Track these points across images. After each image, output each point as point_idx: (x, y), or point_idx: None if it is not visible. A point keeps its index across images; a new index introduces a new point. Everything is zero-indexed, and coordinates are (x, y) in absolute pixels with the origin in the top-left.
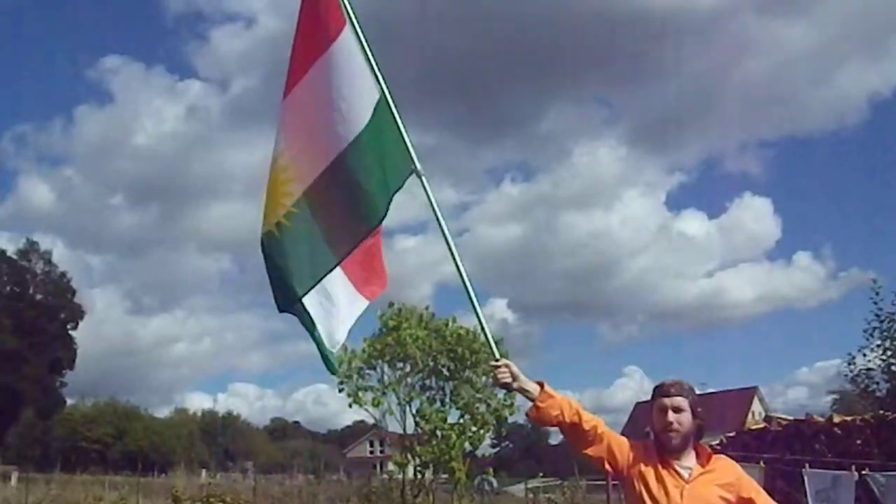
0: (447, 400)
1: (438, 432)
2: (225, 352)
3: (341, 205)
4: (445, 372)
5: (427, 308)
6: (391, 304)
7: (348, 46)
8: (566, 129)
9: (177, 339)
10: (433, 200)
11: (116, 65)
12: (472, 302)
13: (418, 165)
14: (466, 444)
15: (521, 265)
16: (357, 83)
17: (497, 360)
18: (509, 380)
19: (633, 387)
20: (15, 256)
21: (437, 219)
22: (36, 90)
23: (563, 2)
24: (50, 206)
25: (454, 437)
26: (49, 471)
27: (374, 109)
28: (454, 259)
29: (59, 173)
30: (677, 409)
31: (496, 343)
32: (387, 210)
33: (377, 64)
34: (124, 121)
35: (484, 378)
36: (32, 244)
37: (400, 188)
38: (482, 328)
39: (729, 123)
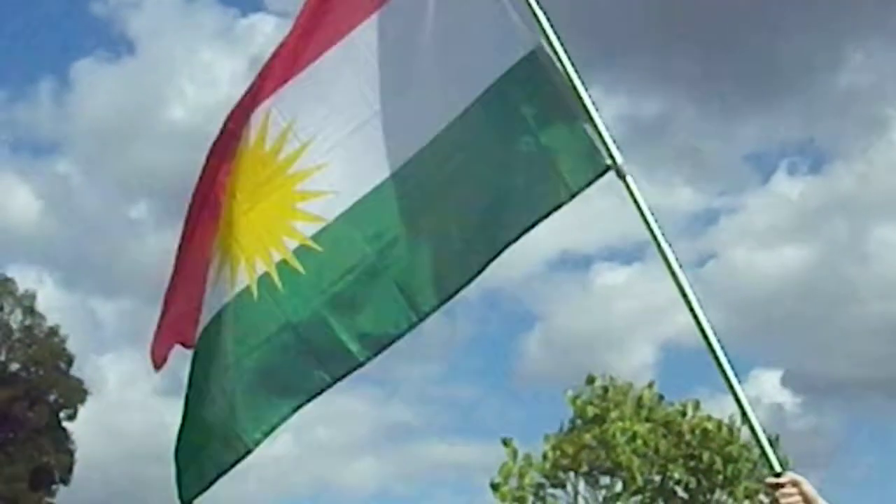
0: None
1: None
2: (316, 457)
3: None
4: (681, 492)
5: (650, 386)
6: (591, 379)
7: None
8: (879, 85)
9: None
10: (648, 214)
11: None
12: (726, 378)
13: (619, 159)
14: None
15: (803, 314)
16: (473, 26)
17: (778, 475)
18: None
19: None
20: None
21: (657, 242)
22: (12, 39)
23: None
24: (33, 222)
25: None
26: None
27: (515, 66)
28: (690, 306)
29: (48, 168)
30: None
31: (771, 444)
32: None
33: None
34: (151, 84)
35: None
36: (5, 282)
37: (570, 197)
38: (748, 421)
39: None
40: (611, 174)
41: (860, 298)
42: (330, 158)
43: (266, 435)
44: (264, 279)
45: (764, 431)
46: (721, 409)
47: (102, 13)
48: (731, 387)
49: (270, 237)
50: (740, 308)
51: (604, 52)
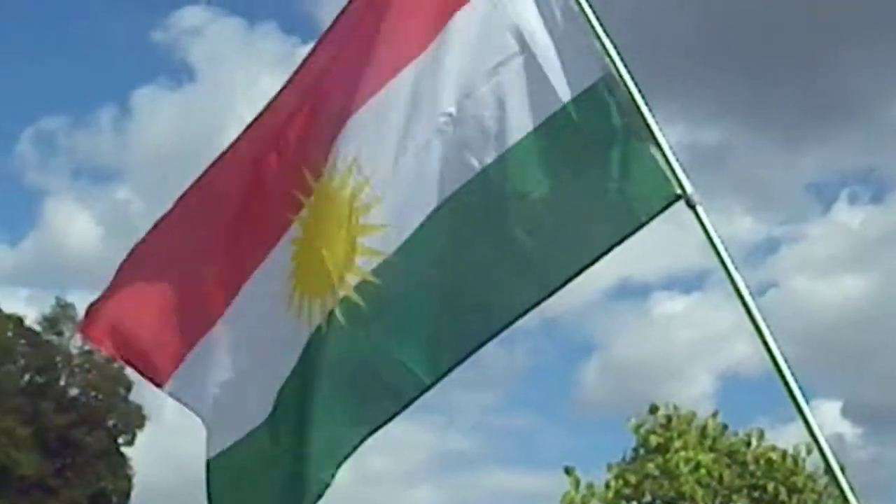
0: None
1: None
2: (373, 485)
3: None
4: None
5: (714, 415)
6: (654, 409)
7: None
8: None
9: None
10: (718, 243)
11: (199, 21)
12: (798, 407)
13: (688, 188)
14: None
15: (864, 343)
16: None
17: None
18: None
19: None
20: (38, 327)
21: (727, 271)
22: (74, 66)
23: None
24: (93, 248)
25: None
26: None
27: (582, 94)
28: (761, 334)
29: (108, 195)
30: None
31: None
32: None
33: (600, 23)
34: (211, 111)
35: None
36: (65, 308)
37: (639, 226)
38: (821, 452)
39: None
40: (679, 203)
41: None
42: (384, 192)
43: (334, 471)
44: (330, 316)
45: (837, 461)
46: (784, 439)
47: (163, 41)
48: (802, 416)
49: (337, 274)
50: (800, 338)
51: (664, 80)
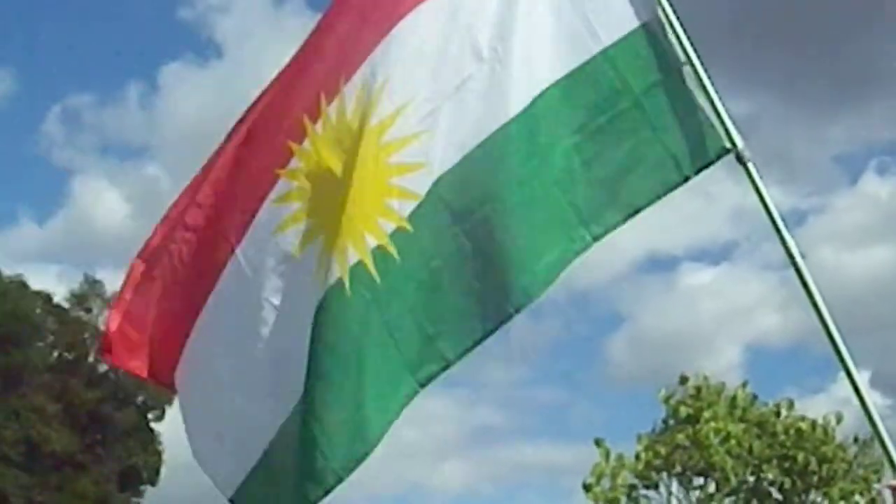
0: None
1: None
2: (405, 458)
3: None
4: (776, 494)
5: (744, 386)
6: (683, 380)
7: None
8: None
9: None
10: (769, 200)
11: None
12: (847, 370)
13: (739, 142)
14: None
15: (892, 315)
16: None
17: None
18: None
19: None
20: (66, 304)
21: (777, 228)
22: (101, 43)
23: None
24: (122, 225)
25: None
26: None
27: (620, 43)
28: (812, 298)
29: (137, 172)
30: None
31: (877, 444)
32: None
33: None
34: (239, 88)
35: None
36: (93, 284)
37: (683, 179)
38: (869, 416)
39: None
40: (725, 160)
41: None
42: (426, 126)
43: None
44: (357, 270)
45: (880, 430)
46: (814, 409)
47: (190, 18)
48: (854, 385)
49: (365, 219)
50: (828, 308)
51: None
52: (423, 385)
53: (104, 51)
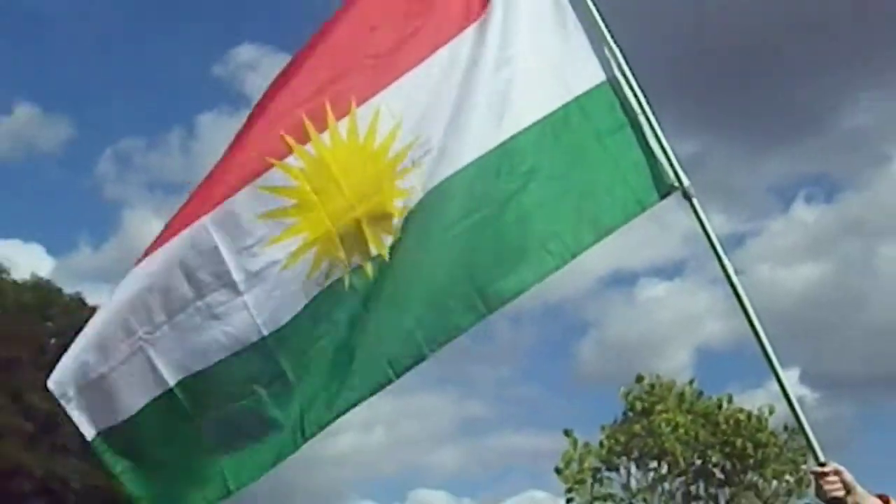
0: None
1: None
2: (404, 446)
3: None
4: (719, 474)
5: (691, 383)
6: (639, 378)
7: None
8: (882, 126)
9: (338, 430)
10: (709, 228)
11: (253, 57)
12: (774, 371)
13: (685, 181)
14: None
15: (820, 320)
16: (564, 49)
17: (822, 464)
18: (841, 493)
19: None
20: None
21: (717, 253)
22: (146, 94)
23: None
24: None
25: None
26: None
27: (590, 93)
28: (745, 309)
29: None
30: None
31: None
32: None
33: (610, 33)
34: None
35: (775, 483)
36: None
37: (641, 210)
38: (794, 411)
39: None
40: (663, 203)
41: (868, 307)
42: (423, 158)
43: (322, 427)
44: (358, 270)
45: (802, 421)
46: (750, 402)
47: (224, 74)
48: (780, 382)
49: (372, 234)
50: (764, 317)
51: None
52: (398, 375)
53: (151, 102)
